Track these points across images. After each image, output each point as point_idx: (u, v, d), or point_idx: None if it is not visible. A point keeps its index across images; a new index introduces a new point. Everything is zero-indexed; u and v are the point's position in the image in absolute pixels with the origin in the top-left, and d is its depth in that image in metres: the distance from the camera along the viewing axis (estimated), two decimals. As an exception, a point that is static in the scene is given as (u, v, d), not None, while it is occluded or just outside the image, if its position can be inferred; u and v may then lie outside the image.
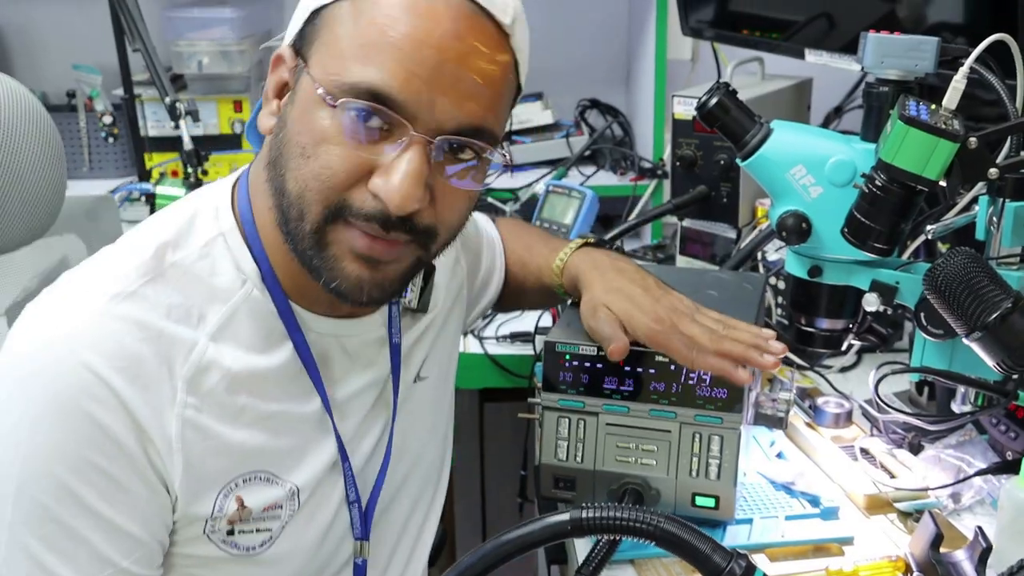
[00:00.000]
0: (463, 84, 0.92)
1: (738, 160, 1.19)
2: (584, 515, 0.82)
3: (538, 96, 2.52)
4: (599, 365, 1.20)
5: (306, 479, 1.05)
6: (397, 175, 0.91)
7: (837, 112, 2.28)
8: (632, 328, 1.17)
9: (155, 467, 0.93)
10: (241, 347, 0.98)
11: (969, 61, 1.06)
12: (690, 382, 1.17)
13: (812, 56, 1.71)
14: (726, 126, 1.18)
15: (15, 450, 0.89)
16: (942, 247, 1.52)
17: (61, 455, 0.89)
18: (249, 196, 1.02)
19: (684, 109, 1.87)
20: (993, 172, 1.05)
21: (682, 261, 1.96)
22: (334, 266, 0.96)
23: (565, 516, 0.82)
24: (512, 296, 1.44)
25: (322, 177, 0.93)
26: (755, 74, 2.00)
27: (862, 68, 1.16)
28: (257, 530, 1.02)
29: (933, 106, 1.07)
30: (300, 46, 0.96)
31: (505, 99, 0.99)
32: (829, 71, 1.78)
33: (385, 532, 1.19)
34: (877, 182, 1.07)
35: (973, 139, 1.04)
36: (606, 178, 2.39)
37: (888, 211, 1.08)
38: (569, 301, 1.32)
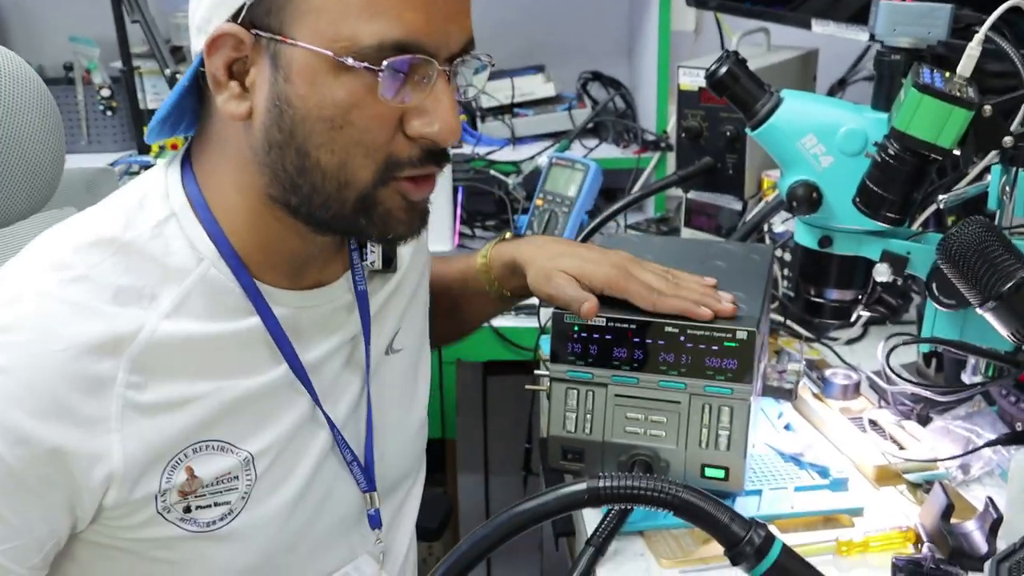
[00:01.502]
0: (463, 4, 0.95)
1: (748, 130, 1.18)
2: (601, 484, 0.81)
3: (540, 68, 2.50)
4: (608, 336, 1.19)
5: (264, 446, 1.02)
6: (442, 111, 0.93)
7: (841, 84, 2.26)
8: (590, 281, 1.19)
9: (67, 458, 0.91)
10: (200, 319, 0.97)
11: (984, 28, 1.05)
12: (700, 352, 1.17)
13: (819, 26, 1.69)
14: (736, 95, 1.17)
15: None
16: (949, 219, 1.51)
17: None
18: (197, 180, 1.00)
19: (690, 80, 1.85)
20: (1007, 140, 1.04)
21: (687, 233, 1.95)
22: (387, 220, 0.97)
23: (582, 486, 0.82)
24: (441, 315, 1.37)
25: (364, 141, 0.92)
26: (760, 45, 1.98)
27: (873, 36, 1.14)
28: (215, 504, 1.00)
29: (947, 74, 1.06)
30: (260, 21, 0.91)
31: None
32: (833, 42, 1.77)
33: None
34: (890, 151, 1.06)
35: (988, 107, 1.03)
36: (609, 151, 2.37)
37: (901, 180, 1.07)
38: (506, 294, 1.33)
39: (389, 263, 1.16)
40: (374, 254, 1.14)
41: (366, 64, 0.89)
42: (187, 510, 0.98)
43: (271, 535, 1.04)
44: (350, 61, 0.89)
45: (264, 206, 0.99)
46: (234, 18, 0.91)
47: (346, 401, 1.11)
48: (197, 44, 0.95)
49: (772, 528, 1.16)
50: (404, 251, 1.20)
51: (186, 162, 1.02)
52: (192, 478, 0.97)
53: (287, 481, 1.05)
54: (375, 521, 1.13)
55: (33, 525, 0.93)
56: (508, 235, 1.37)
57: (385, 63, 0.89)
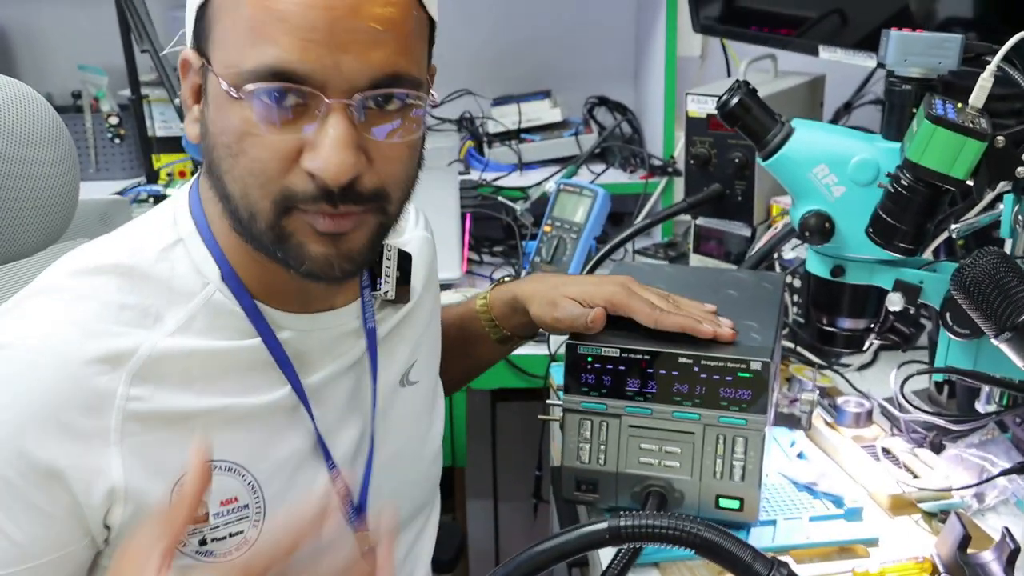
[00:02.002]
0: (362, 36, 0.88)
1: (759, 159, 1.18)
2: (623, 524, 0.81)
3: (547, 94, 2.51)
4: (621, 367, 1.19)
5: (269, 470, 1.01)
6: (325, 147, 0.88)
7: (847, 108, 2.27)
8: (593, 302, 1.21)
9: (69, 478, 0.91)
10: (205, 338, 0.97)
11: (996, 59, 1.05)
12: (714, 383, 1.17)
13: (826, 52, 1.70)
14: (747, 126, 1.17)
15: None
16: (959, 244, 1.51)
17: None
18: (201, 204, 1.02)
19: (698, 107, 1.86)
20: (1021, 171, 1.04)
21: (696, 259, 1.95)
22: (300, 252, 0.94)
23: (603, 525, 0.81)
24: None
25: (255, 171, 0.91)
26: (768, 71, 1.99)
27: (882, 65, 1.15)
28: (230, 535, 0.99)
29: (959, 105, 1.06)
30: (199, 45, 0.94)
31: (415, 37, 0.94)
32: (836, 67, 1.77)
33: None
34: (903, 181, 1.06)
35: (1000, 138, 1.03)
36: (616, 176, 2.38)
37: (914, 211, 1.07)
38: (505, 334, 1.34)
39: (405, 297, 1.17)
40: (387, 283, 1.14)
41: (234, 91, 0.88)
42: (202, 543, 0.98)
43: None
44: (224, 86, 0.89)
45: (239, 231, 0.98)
46: (193, 44, 0.95)
47: (348, 436, 1.10)
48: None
49: (788, 559, 1.17)
50: (416, 282, 1.20)
51: (195, 183, 1.04)
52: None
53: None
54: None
55: (44, 546, 0.92)
56: (506, 279, 1.39)
57: (249, 87, 0.88)
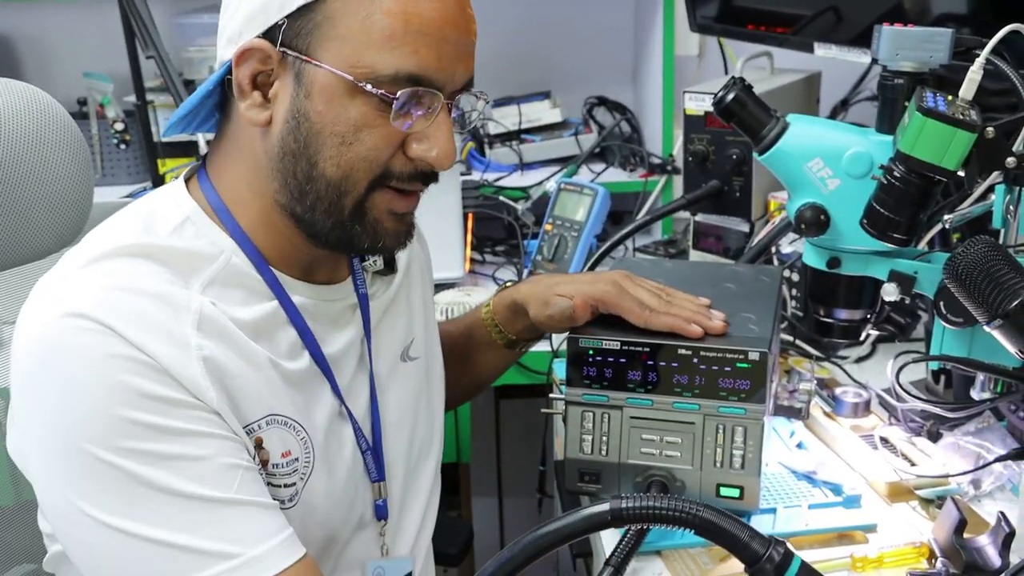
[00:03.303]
0: (469, 47, 1.05)
1: (755, 154, 1.20)
2: (624, 505, 0.83)
3: (546, 95, 2.53)
4: (622, 359, 1.22)
5: (315, 428, 1.08)
6: (441, 139, 1.02)
7: (844, 104, 2.29)
8: (585, 300, 1.26)
9: (206, 405, 0.96)
10: (230, 303, 1.02)
11: (985, 52, 1.07)
12: (713, 374, 1.19)
13: (821, 49, 1.72)
14: (743, 121, 1.19)
15: (80, 424, 0.92)
16: (954, 236, 1.53)
17: (120, 403, 0.92)
18: (212, 183, 1.07)
19: (695, 104, 1.88)
20: (1011, 161, 1.06)
21: (695, 255, 1.97)
22: (376, 228, 1.05)
23: (605, 507, 0.83)
24: (451, 373, 1.40)
25: (368, 157, 1.01)
26: (764, 68, 2.01)
27: (876, 61, 1.17)
28: (285, 485, 1.05)
29: (950, 97, 1.08)
30: (288, 40, 0.99)
31: None
32: (833, 64, 1.79)
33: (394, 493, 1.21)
34: (896, 173, 1.08)
35: (990, 129, 1.05)
36: (616, 175, 2.40)
37: (907, 202, 1.09)
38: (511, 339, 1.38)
39: (392, 264, 1.23)
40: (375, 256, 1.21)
41: (382, 92, 0.98)
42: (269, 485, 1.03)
43: (328, 513, 1.10)
44: (369, 87, 0.98)
45: (274, 209, 1.05)
46: (265, 34, 0.99)
47: (362, 398, 1.16)
48: (226, 53, 1.02)
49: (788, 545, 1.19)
50: (401, 256, 1.25)
51: (201, 170, 1.09)
52: (260, 448, 1.02)
53: (334, 475, 1.10)
54: (381, 511, 1.18)
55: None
56: (508, 284, 1.43)
57: (399, 93, 0.98)
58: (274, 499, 1.01)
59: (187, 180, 1.10)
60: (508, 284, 1.42)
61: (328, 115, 0.99)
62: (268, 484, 1.02)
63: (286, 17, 0.98)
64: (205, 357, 0.96)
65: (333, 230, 1.04)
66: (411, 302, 1.26)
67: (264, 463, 1.02)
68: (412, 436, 1.24)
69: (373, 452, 1.16)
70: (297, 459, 1.05)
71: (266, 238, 1.07)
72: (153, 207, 1.06)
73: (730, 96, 1.18)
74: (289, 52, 0.99)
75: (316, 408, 1.09)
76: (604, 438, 1.24)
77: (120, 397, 0.92)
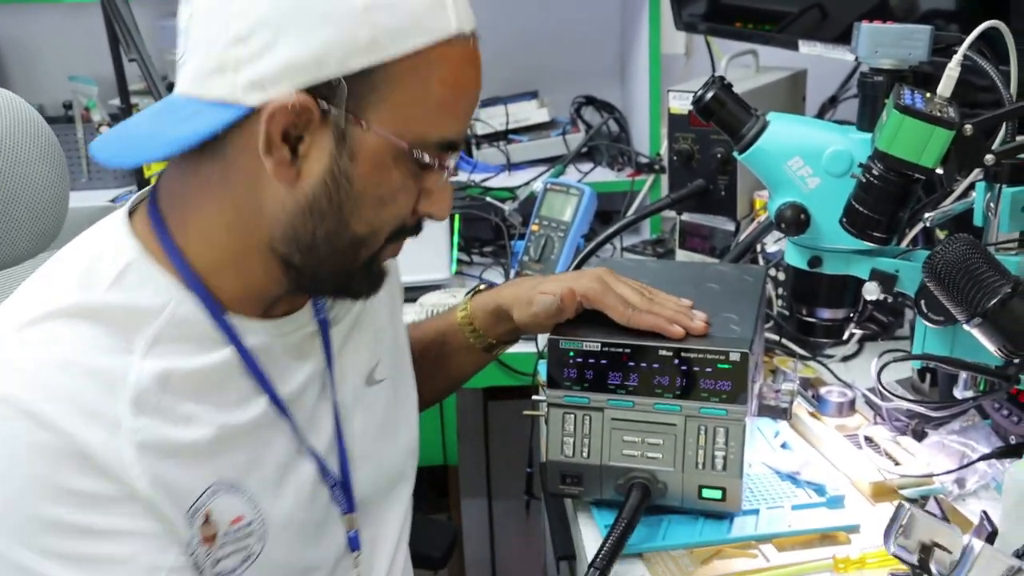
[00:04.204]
0: None
1: (735, 153, 1.20)
2: None
3: (533, 94, 2.52)
4: (603, 361, 1.21)
5: (266, 483, 1.03)
6: (448, 195, 1.03)
7: (832, 102, 2.28)
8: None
9: (135, 497, 0.92)
10: (177, 357, 0.96)
11: (963, 48, 1.07)
12: (694, 375, 1.18)
13: (806, 47, 1.72)
14: (722, 120, 1.19)
15: None
16: (940, 234, 1.53)
17: (39, 497, 0.88)
18: (166, 220, 1.00)
19: (680, 103, 1.88)
20: (989, 158, 1.06)
21: (682, 255, 1.96)
22: (378, 277, 1.06)
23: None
24: (422, 377, 1.37)
25: (398, 215, 1.01)
26: (750, 67, 2.00)
27: (856, 58, 1.17)
28: (237, 551, 1.00)
29: (928, 94, 1.08)
30: (334, 98, 0.92)
31: None
32: (822, 61, 1.79)
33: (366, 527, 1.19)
34: (874, 171, 1.08)
35: (968, 126, 1.04)
36: (603, 174, 2.39)
37: (886, 200, 1.09)
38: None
39: None
40: None
41: (428, 158, 0.97)
42: (215, 564, 0.98)
43: (284, 568, 1.06)
44: (417, 155, 0.96)
45: (256, 254, 1.00)
46: (308, 88, 0.91)
47: (325, 430, 1.12)
48: (247, 97, 0.92)
49: (770, 547, 1.19)
50: None
51: (152, 204, 1.02)
52: (206, 523, 0.97)
53: (292, 519, 1.06)
54: (354, 543, 1.15)
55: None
56: (482, 287, 1.42)
57: (441, 159, 0.98)
58: (225, 570, 0.99)
59: (131, 212, 1.03)
60: (481, 288, 1.41)
61: (372, 179, 0.96)
62: (220, 559, 0.98)
63: (344, 76, 0.92)
64: (140, 442, 0.91)
65: (335, 279, 1.03)
66: (376, 320, 1.22)
67: (211, 538, 0.98)
68: (381, 463, 1.20)
69: (342, 485, 1.12)
70: (251, 522, 1.01)
71: (227, 281, 1.01)
72: (93, 251, 0.99)
73: (709, 95, 1.18)
74: (334, 111, 0.93)
75: (270, 456, 1.04)
76: (585, 440, 1.23)
77: (39, 491, 0.87)
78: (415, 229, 1.05)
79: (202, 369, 0.98)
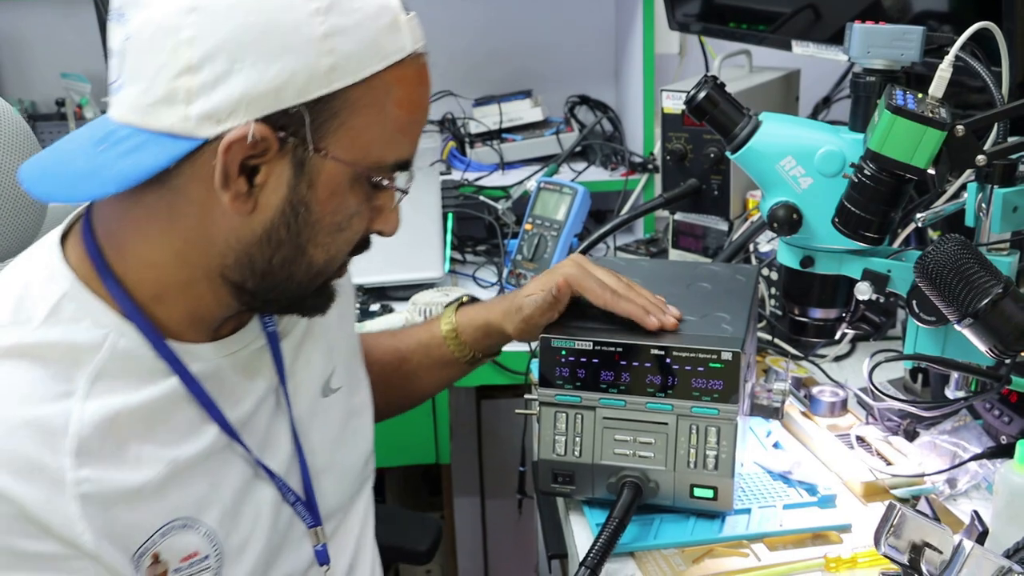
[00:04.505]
0: None
1: (728, 153, 1.20)
2: None
3: (527, 94, 2.52)
4: (595, 360, 1.21)
5: (219, 515, 1.01)
6: (396, 213, 1.02)
7: (826, 102, 2.28)
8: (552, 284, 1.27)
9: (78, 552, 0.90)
10: (119, 398, 0.93)
11: (954, 49, 1.07)
12: (686, 374, 1.18)
13: (799, 47, 1.72)
14: (715, 119, 1.19)
15: None
16: (933, 234, 1.53)
17: None
18: (102, 247, 0.97)
19: (673, 103, 1.88)
20: (981, 159, 1.06)
21: (675, 254, 1.97)
22: (331, 296, 1.05)
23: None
24: (395, 386, 1.39)
25: (352, 239, 1.00)
26: (743, 67, 2.00)
27: (849, 58, 1.17)
28: None
29: (920, 95, 1.08)
30: (293, 128, 0.90)
31: None
32: (817, 62, 1.79)
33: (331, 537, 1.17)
34: (866, 172, 1.08)
35: (960, 127, 1.05)
36: (597, 173, 2.39)
37: (878, 200, 1.09)
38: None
39: None
40: None
41: (385, 181, 0.97)
42: None
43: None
44: (376, 179, 0.96)
45: (204, 280, 0.97)
46: (265, 118, 0.89)
47: (283, 447, 1.10)
48: (199, 129, 0.88)
49: (761, 546, 1.19)
50: None
51: (87, 229, 0.98)
52: (156, 562, 0.95)
53: (250, 543, 1.04)
54: (322, 557, 1.13)
55: None
56: (465, 298, 1.41)
57: (397, 179, 0.98)
58: None
59: (63, 237, 0.99)
60: (465, 300, 1.41)
61: (330, 205, 0.95)
62: None
63: (303, 105, 0.89)
64: (83, 494, 0.89)
65: (288, 301, 1.02)
66: (328, 327, 1.18)
67: (162, 575, 0.96)
68: (344, 472, 1.19)
69: (305, 501, 1.11)
70: (206, 556, 0.99)
71: (171, 308, 0.98)
72: (24, 280, 0.96)
73: (701, 95, 1.18)
74: (292, 140, 0.90)
75: (226, 485, 1.02)
76: (577, 439, 1.23)
77: None
78: (364, 247, 1.04)
79: (147, 403, 0.95)
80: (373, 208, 1.00)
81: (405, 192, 1.01)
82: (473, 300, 1.42)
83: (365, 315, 1.97)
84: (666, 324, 1.22)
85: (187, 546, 0.98)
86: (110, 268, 0.96)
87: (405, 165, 0.99)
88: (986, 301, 1.00)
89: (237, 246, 0.95)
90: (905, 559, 0.88)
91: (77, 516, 0.89)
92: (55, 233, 1.00)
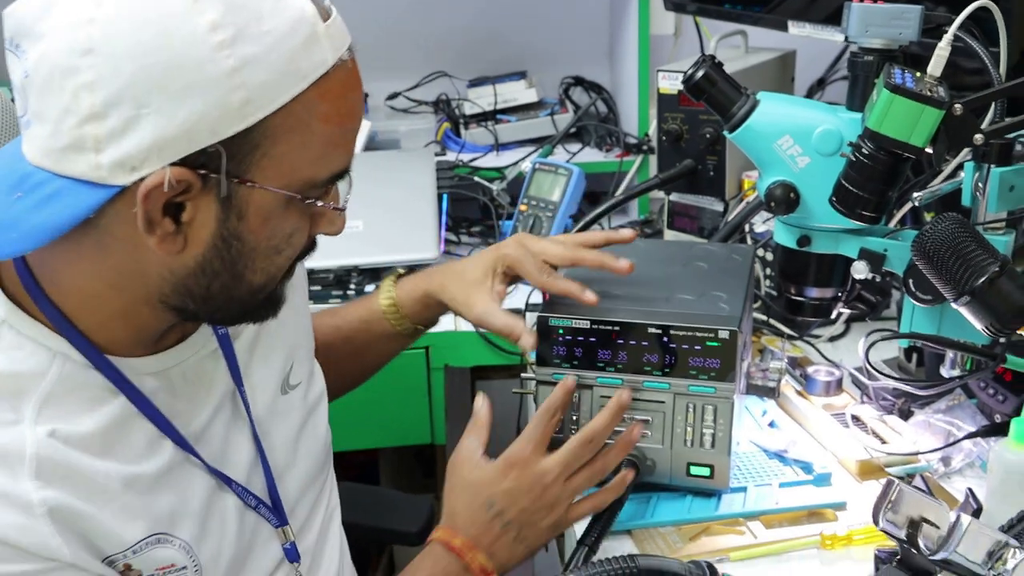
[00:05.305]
0: None
1: (725, 132, 1.20)
2: None
3: (522, 75, 2.52)
4: (592, 338, 1.21)
5: (193, 528, 1.00)
6: (343, 214, 0.98)
7: (820, 84, 2.28)
8: (496, 269, 1.29)
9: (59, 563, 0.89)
10: (72, 421, 0.91)
11: (953, 28, 1.07)
12: (683, 352, 1.19)
13: (795, 28, 1.72)
14: (713, 98, 1.18)
15: None
16: (927, 216, 1.53)
17: None
18: (36, 278, 0.93)
19: (669, 84, 1.87)
20: (978, 138, 1.06)
21: (670, 235, 1.97)
22: (277, 304, 1.01)
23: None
24: (340, 365, 1.37)
25: (294, 256, 0.97)
26: (739, 47, 2.00)
27: (846, 38, 1.17)
28: None
29: (918, 74, 1.08)
30: (213, 164, 0.86)
31: None
32: (811, 43, 1.79)
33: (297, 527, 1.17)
34: (864, 150, 1.08)
35: (958, 106, 1.05)
36: (592, 155, 2.39)
37: (875, 179, 1.09)
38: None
39: None
40: None
41: (319, 201, 0.93)
42: None
43: None
44: (319, 203, 0.93)
45: (145, 305, 0.95)
46: (181, 160, 0.84)
47: (244, 451, 1.09)
48: (113, 176, 0.84)
49: (757, 524, 1.20)
50: None
51: (18, 266, 0.94)
52: (128, 570, 0.94)
53: (222, 552, 1.04)
54: (292, 555, 1.12)
55: None
56: (402, 272, 1.40)
57: (332, 191, 0.95)
58: None
59: None
60: (401, 272, 1.39)
61: (263, 232, 0.91)
62: None
63: (219, 143, 0.85)
64: (51, 509, 0.87)
65: (234, 315, 0.99)
66: (282, 322, 1.12)
67: None
68: (306, 466, 1.18)
69: (270, 504, 1.10)
70: (184, 567, 0.98)
71: (114, 331, 0.95)
72: None
73: (699, 73, 1.18)
74: (215, 176, 0.86)
75: (189, 496, 1.00)
76: (574, 417, 1.24)
77: None
78: (310, 251, 1.01)
79: (101, 427, 0.93)
80: (315, 214, 0.96)
81: (342, 209, 0.97)
82: (409, 272, 1.40)
83: (360, 296, 1.96)
84: (618, 269, 1.23)
85: (161, 559, 0.97)
86: (47, 296, 0.93)
87: (342, 175, 0.95)
88: (983, 279, 1.00)
89: (172, 278, 0.92)
90: (903, 534, 0.88)
91: (50, 533, 0.87)
92: None
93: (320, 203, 0.93)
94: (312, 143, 0.89)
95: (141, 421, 0.97)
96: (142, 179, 0.84)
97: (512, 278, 1.29)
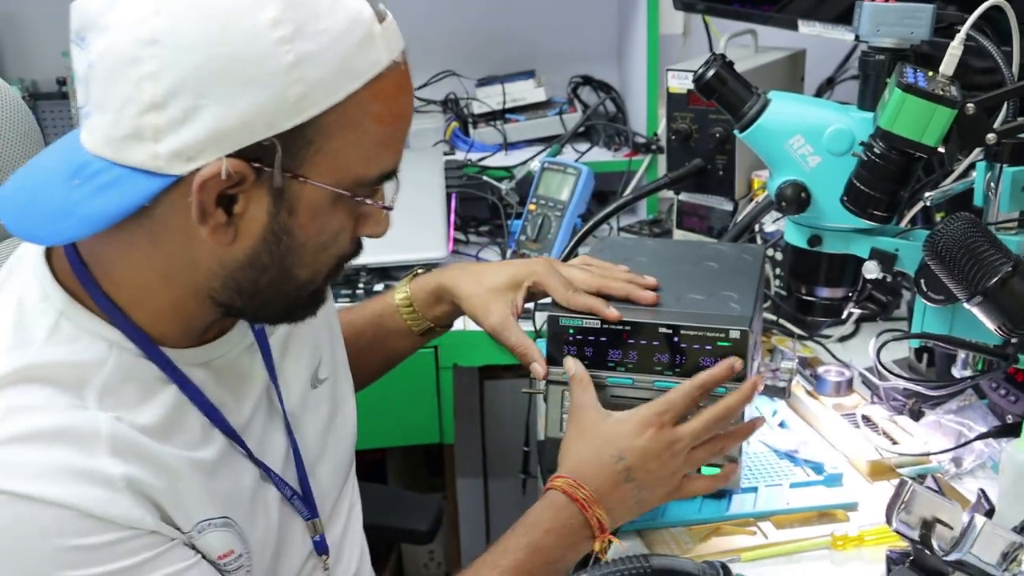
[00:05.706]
0: None
1: (736, 131, 1.19)
2: None
3: (531, 74, 2.52)
4: (603, 338, 1.21)
5: (245, 513, 1.03)
6: (386, 216, 1.00)
7: (829, 83, 2.28)
8: (518, 280, 1.27)
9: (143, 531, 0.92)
10: (129, 408, 0.94)
11: (966, 27, 1.07)
12: (694, 352, 1.18)
13: (805, 27, 1.71)
14: (723, 97, 1.18)
15: None
16: (938, 216, 1.53)
17: (59, 567, 0.87)
18: (87, 264, 0.96)
19: (678, 83, 1.87)
20: (991, 137, 1.06)
21: (679, 235, 1.96)
22: (319, 303, 1.03)
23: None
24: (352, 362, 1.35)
25: (340, 255, 0.99)
26: (748, 47, 2.00)
27: (857, 37, 1.16)
28: None
29: (930, 73, 1.08)
30: (268, 157, 0.88)
31: None
32: (820, 42, 1.78)
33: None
34: (876, 150, 1.08)
35: (971, 105, 1.04)
36: (600, 154, 2.39)
37: (887, 179, 1.09)
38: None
39: None
40: None
41: (367, 198, 0.95)
42: None
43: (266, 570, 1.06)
44: (368, 201, 0.95)
45: (194, 299, 0.97)
46: (237, 152, 0.87)
47: (279, 444, 1.11)
48: (171, 166, 0.86)
49: (768, 524, 1.19)
50: None
51: (71, 255, 0.96)
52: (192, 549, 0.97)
53: (267, 543, 1.06)
54: (321, 547, 1.14)
55: None
56: (420, 270, 1.39)
57: (380, 191, 0.97)
58: None
59: (46, 254, 0.97)
60: (420, 271, 1.39)
61: (312, 228, 0.93)
62: None
63: (275, 136, 0.87)
64: (130, 482, 0.90)
65: (279, 314, 1.01)
66: (314, 321, 1.12)
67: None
68: (334, 459, 1.20)
69: (302, 495, 1.12)
70: (241, 555, 1.00)
71: (165, 324, 0.97)
72: (16, 302, 0.95)
73: (710, 73, 1.18)
74: (268, 170, 0.88)
75: (243, 486, 1.04)
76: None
77: (58, 561, 0.86)
78: (355, 254, 1.02)
79: (159, 414, 0.95)
80: (360, 216, 0.97)
81: (390, 208, 0.99)
82: (429, 270, 1.40)
83: (369, 296, 1.97)
84: (642, 299, 1.21)
85: (225, 544, 0.99)
86: (101, 289, 0.95)
87: (390, 175, 0.96)
88: (995, 279, 1.00)
89: (222, 271, 0.94)
90: (916, 535, 0.88)
91: (132, 504, 0.90)
92: (36, 251, 0.98)
93: (368, 201, 0.95)
94: (363, 142, 0.91)
95: (193, 410, 0.99)
96: (197, 169, 0.86)
97: (532, 296, 1.28)
